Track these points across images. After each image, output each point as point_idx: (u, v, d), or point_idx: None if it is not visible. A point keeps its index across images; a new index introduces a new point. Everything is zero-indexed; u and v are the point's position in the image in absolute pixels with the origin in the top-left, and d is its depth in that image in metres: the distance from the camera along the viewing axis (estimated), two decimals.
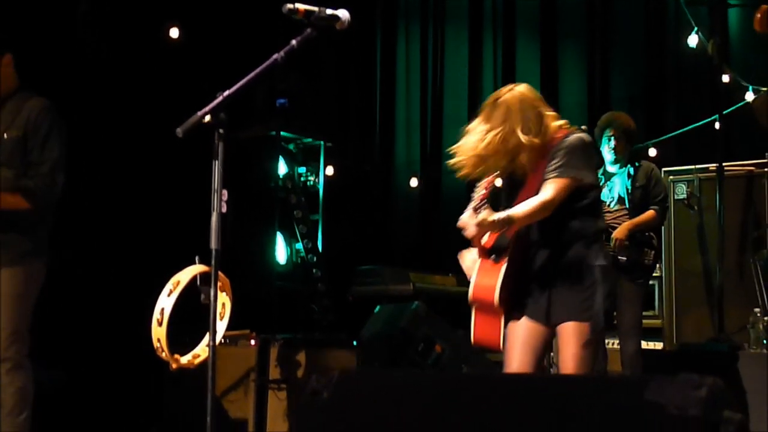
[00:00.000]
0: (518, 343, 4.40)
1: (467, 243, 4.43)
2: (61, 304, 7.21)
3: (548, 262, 4.38)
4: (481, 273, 4.33)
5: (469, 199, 4.35)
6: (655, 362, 6.86)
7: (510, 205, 4.38)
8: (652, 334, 7.63)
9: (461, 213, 6.84)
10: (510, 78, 9.89)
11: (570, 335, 4.30)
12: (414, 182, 9.83)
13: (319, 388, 2.12)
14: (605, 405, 1.90)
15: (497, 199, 4.68)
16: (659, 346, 7.73)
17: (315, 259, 8.01)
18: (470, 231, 4.21)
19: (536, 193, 4.32)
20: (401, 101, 10.33)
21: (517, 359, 4.39)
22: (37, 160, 4.92)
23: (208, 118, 3.85)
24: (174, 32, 8.15)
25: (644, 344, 7.19)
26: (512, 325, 4.41)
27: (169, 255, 5.40)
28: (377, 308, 7.05)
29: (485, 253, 4.36)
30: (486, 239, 4.36)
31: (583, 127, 4.81)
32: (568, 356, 4.28)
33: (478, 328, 4.38)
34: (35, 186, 4.90)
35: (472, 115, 4.06)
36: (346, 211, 9.22)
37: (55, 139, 4.96)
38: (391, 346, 6.45)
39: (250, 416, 6.33)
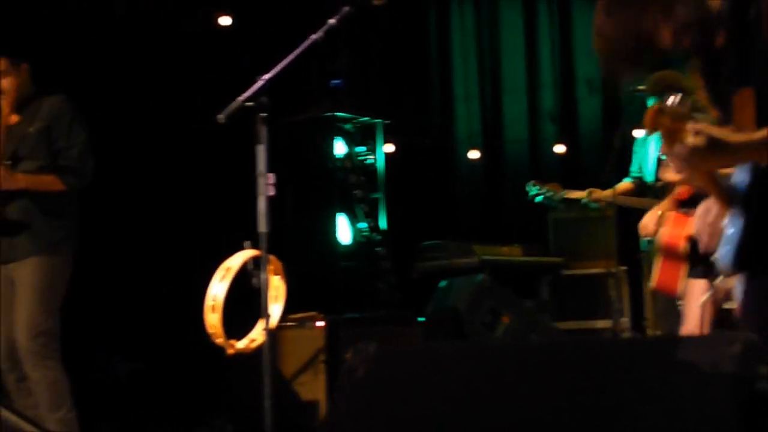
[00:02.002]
0: (693, 301, 4.73)
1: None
2: (125, 296, 7.30)
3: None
4: (673, 223, 4.85)
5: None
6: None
7: None
8: None
9: (523, 182, 6.78)
10: (567, 45, 9.77)
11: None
12: (475, 154, 9.76)
13: (354, 365, 2.11)
14: (639, 366, 1.88)
15: None
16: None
17: (378, 237, 8.01)
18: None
19: None
20: (458, 73, 10.25)
21: (692, 316, 4.70)
22: (66, 144, 5.00)
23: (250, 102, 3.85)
24: (225, 20, 8.15)
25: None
26: (691, 283, 4.79)
27: (224, 240, 5.43)
28: (442, 283, 7.02)
29: (678, 204, 4.90)
30: (681, 191, 4.86)
31: None
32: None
33: (661, 274, 4.90)
34: (68, 166, 4.97)
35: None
36: (408, 188, 9.18)
37: (80, 125, 5.04)
38: (456, 321, 6.42)
39: (321, 397, 6.34)
